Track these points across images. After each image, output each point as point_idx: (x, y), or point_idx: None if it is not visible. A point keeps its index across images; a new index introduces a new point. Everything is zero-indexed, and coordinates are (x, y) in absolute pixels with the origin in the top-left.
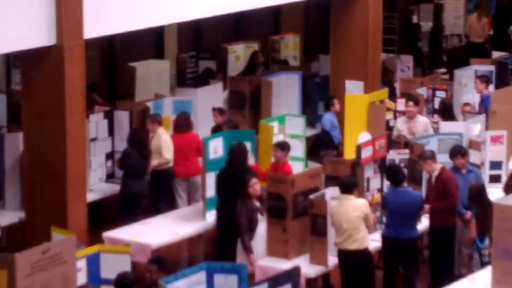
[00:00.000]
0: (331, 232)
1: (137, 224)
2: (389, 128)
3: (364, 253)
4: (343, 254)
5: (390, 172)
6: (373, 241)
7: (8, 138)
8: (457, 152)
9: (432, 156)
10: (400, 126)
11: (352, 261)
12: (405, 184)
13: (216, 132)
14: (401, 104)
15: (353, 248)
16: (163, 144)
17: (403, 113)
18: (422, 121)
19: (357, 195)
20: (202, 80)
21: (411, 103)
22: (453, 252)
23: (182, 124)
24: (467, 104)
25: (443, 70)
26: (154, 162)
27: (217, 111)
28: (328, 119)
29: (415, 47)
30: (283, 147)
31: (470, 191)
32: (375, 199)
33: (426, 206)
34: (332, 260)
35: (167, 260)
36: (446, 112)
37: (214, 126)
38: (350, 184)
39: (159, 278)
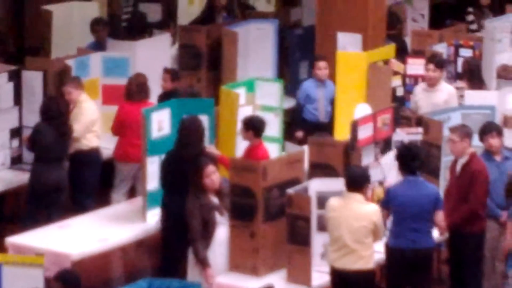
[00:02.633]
0: (316, 238)
1: (53, 226)
2: (396, 99)
3: (369, 275)
4: (339, 275)
5: (407, 154)
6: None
7: None
8: (492, 129)
9: (471, 135)
10: (420, 96)
11: (352, 285)
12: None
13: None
14: (413, 65)
15: (356, 268)
16: (78, 112)
17: (420, 78)
18: (446, 92)
19: (367, 195)
20: (135, 30)
21: (431, 66)
22: (481, 269)
23: (137, 90)
24: (506, 67)
25: (470, 18)
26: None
27: (170, 73)
28: (303, 88)
29: None
30: (248, 125)
31: (507, 184)
32: (376, 194)
33: (440, 216)
34: (318, 277)
35: (83, 275)
36: (473, 76)
37: (161, 94)
38: (360, 178)
39: None
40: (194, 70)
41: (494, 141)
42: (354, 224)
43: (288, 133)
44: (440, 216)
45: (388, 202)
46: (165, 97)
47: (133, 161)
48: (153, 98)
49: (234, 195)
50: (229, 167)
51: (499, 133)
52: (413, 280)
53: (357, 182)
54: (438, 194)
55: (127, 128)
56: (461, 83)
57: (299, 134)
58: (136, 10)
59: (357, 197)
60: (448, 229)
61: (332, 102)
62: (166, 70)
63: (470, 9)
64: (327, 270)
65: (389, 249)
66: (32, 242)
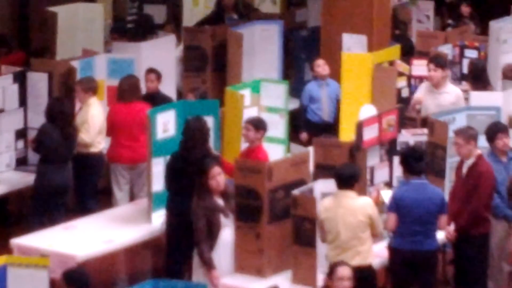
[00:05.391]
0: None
1: (58, 227)
2: (401, 100)
3: (368, 271)
4: None
5: (412, 155)
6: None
7: None
8: (501, 129)
9: (476, 137)
10: (426, 97)
11: None
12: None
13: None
14: (418, 67)
15: (354, 264)
16: (87, 119)
17: (425, 78)
18: (454, 94)
19: (359, 191)
20: (141, 31)
21: (432, 65)
22: (486, 270)
23: (128, 91)
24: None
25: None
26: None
27: (155, 74)
28: (306, 89)
29: None
30: (258, 126)
31: (509, 185)
32: (381, 196)
33: (443, 221)
34: (323, 279)
35: (90, 275)
36: (478, 77)
37: (144, 95)
38: (350, 175)
39: None
40: (199, 72)
41: (502, 142)
42: (351, 220)
43: (293, 135)
44: (443, 221)
45: (394, 206)
46: (148, 99)
47: (123, 162)
48: None
49: (239, 196)
50: (228, 171)
51: (508, 133)
52: (417, 281)
53: (347, 179)
54: (443, 198)
55: (116, 129)
56: (466, 85)
57: (303, 135)
58: (141, 11)
59: (349, 193)
60: (456, 232)
61: (336, 101)
62: (151, 70)
63: (450, 21)
64: None
65: (392, 250)
66: (37, 243)
